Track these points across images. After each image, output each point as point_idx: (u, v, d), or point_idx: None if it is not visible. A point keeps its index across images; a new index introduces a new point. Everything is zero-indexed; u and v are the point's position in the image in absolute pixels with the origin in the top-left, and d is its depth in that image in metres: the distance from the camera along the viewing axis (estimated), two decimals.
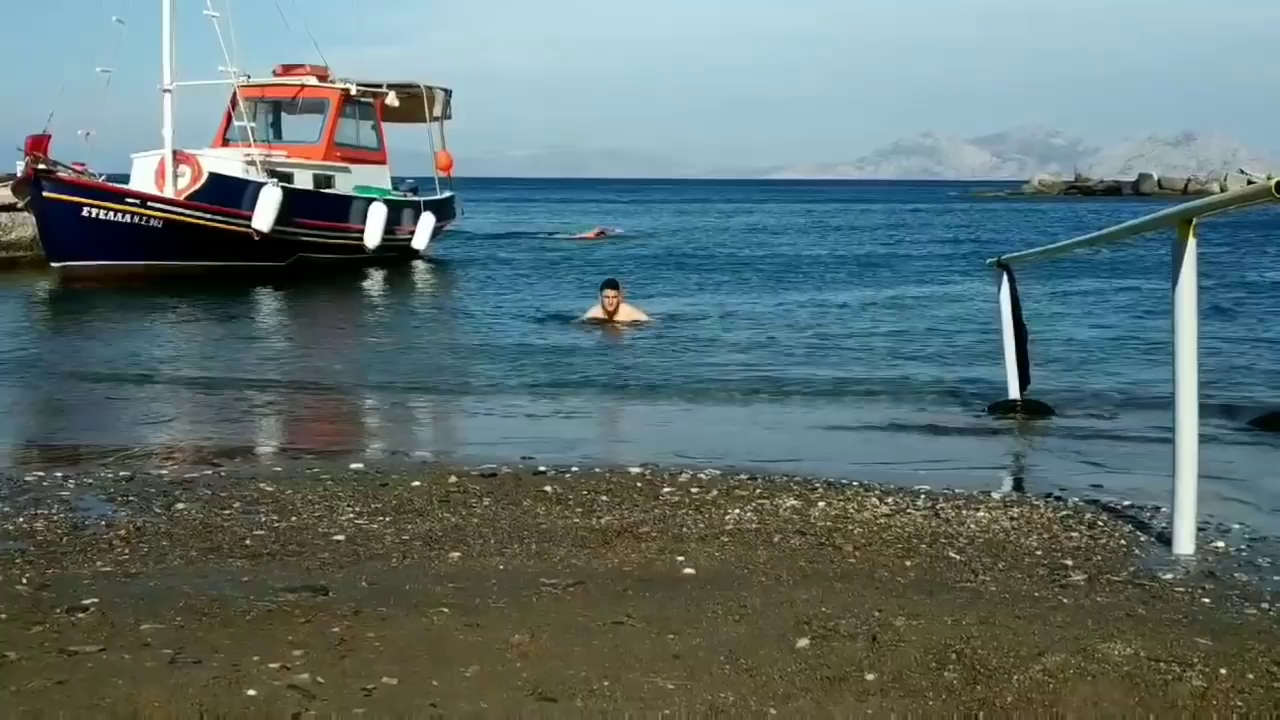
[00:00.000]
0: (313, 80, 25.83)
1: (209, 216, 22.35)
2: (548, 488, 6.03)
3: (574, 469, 6.54)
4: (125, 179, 23.25)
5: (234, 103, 24.32)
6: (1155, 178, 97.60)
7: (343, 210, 25.04)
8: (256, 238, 22.67)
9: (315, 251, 24.25)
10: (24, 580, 4.42)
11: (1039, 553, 4.98)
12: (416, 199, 27.38)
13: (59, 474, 6.35)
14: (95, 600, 4.10)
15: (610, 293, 14.56)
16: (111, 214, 21.20)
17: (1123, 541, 5.16)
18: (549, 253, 31.25)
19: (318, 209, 24.48)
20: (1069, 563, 4.82)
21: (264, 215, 22.60)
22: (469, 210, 32.94)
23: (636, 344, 13.07)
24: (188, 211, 22.21)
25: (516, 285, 21.83)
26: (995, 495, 6.09)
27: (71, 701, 3.20)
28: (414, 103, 27.39)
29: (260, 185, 22.79)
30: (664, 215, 58.99)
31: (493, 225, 45.27)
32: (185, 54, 23.70)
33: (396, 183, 27.92)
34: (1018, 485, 6.92)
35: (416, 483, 6.11)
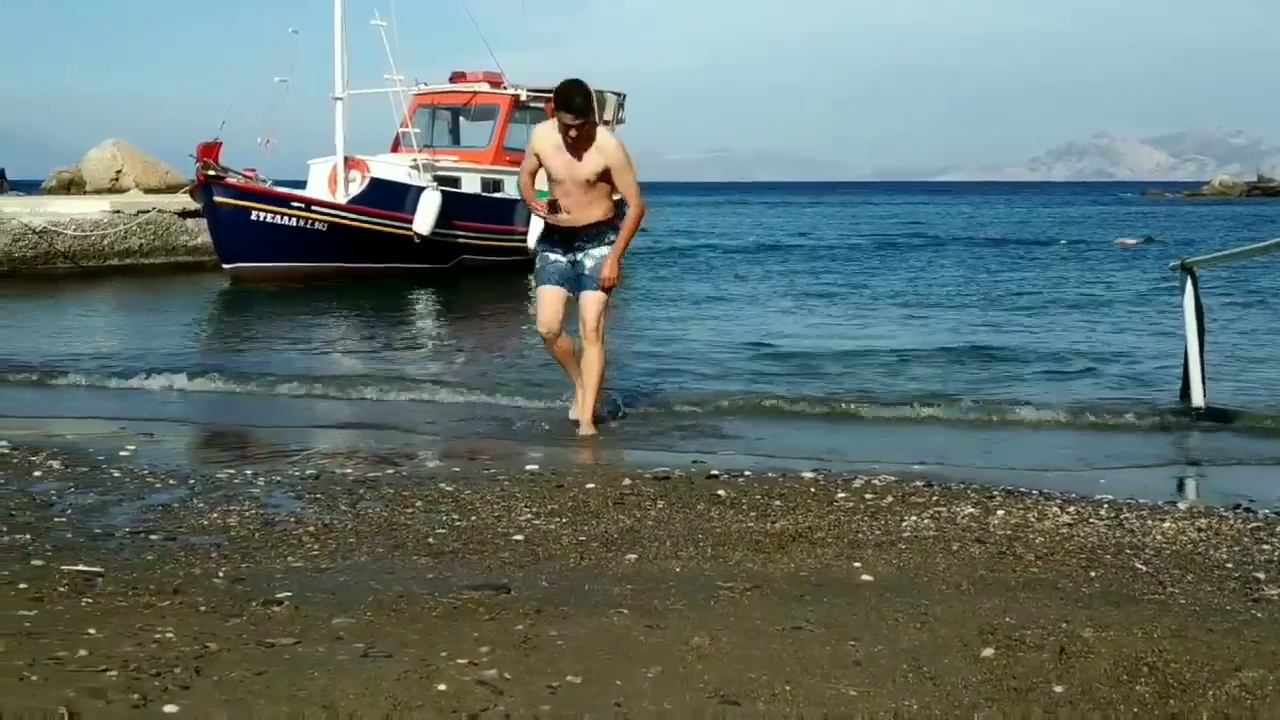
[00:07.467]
0: (485, 87, 26.36)
1: (370, 220, 23.09)
2: (720, 491, 6.04)
3: (746, 473, 6.53)
4: (304, 185, 24.14)
5: (410, 110, 25.04)
6: None
7: (505, 213, 25.45)
8: (417, 240, 23.32)
9: (477, 254, 24.74)
10: (220, 574, 4.59)
11: (1229, 565, 4.82)
12: None
13: (249, 471, 6.57)
14: (289, 594, 4.25)
15: (566, 115, 7.45)
16: (278, 218, 22.17)
17: None
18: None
19: (479, 212, 24.97)
20: (1261, 576, 4.66)
21: (424, 218, 23.27)
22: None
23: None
24: (350, 215, 23.01)
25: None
26: (1181, 505, 5.92)
27: (271, 692, 3.31)
28: None
29: (421, 189, 23.40)
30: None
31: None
32: (359, 62, 24.51)
33: None
34: (1203, 495, 6.71)
35: (590, 484, 6.18)
